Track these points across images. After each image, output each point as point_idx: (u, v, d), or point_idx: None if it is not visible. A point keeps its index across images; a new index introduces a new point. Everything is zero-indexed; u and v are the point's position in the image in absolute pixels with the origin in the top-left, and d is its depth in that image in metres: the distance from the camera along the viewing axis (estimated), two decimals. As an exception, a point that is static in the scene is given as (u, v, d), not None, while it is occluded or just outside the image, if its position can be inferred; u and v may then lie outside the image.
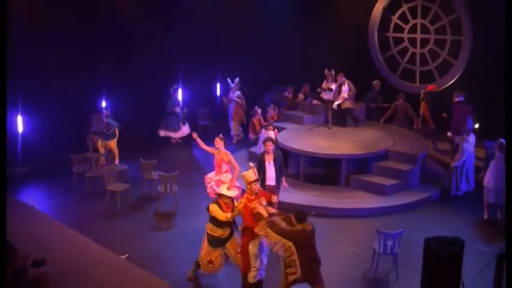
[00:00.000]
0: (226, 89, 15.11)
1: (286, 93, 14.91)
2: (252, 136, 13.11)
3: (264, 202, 7.09)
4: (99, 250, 7.75)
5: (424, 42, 14.91)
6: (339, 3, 15.70)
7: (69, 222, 8.86)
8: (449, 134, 12.20)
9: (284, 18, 15.81)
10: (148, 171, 10.90)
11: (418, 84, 15.01)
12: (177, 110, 14.11)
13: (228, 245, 7.44)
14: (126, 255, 8.07)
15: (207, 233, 7.41)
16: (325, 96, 12.72)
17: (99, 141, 12.21)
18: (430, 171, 11.80)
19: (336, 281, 6.93)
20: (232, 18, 15.42)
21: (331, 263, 7.54)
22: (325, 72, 12.66)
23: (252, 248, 6.87)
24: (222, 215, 7.18)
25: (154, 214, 10.10)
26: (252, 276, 6.94)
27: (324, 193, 10.70)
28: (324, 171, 11.59)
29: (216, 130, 14.10)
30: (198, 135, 9.76)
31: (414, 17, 14.96)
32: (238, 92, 14.43)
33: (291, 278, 6.49)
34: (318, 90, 12.84)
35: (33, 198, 10.47)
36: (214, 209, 7.23)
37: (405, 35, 15.23)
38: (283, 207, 9.15)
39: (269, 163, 9.07)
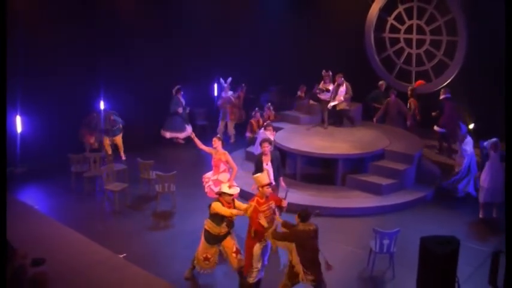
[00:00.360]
0: (220, 89, 15.12)
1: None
2: (248, 135, 13.16)
3: (273, 206, 7.02)
4: (97, 249, 7.78)
5: (420, 43, 14.98)
6: (335, 4, 15.75)
7: (67, 221, 8.89)
8: (436, 127, 12.35)
9: (281, 19, 15.84)
10: (146, 171, 10.94)
11: (414, 84, 15.08)
12: (180, 110, 14.00)
13: (223, 243, 7.44)
14: (124, 255, 8.11)
15: (205, 230, 7.38)
16: (322, 96, 12.73)
17: (106, 140, 12.33)
18: (425, 171, 11.85)
19: (332, 280, 6.97)
20: (232, 19, 15.43)
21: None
22: (323, 73, 12.66)
23: (257, 249, 6.92)
24: (227, 211, 7.14)
25: (152, 214, 10.14)
26: (252, 277, 7.01)
27: (321, 192, 10.76)
28: (320, 171, 11.63)
29: (214, 130, 14.22)
30: (196, 135, 9.81)
31: (410, 17, 15.03)
32: (231, 92, 14.45)
33: (293, 279, 6.53)
34: (315, 90, 12.89)
35: (32, 198, 10.50)
36: (217, 206, 7.18)
37: (401, 36, 15.32)
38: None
39: (267, 164, 8.91)
